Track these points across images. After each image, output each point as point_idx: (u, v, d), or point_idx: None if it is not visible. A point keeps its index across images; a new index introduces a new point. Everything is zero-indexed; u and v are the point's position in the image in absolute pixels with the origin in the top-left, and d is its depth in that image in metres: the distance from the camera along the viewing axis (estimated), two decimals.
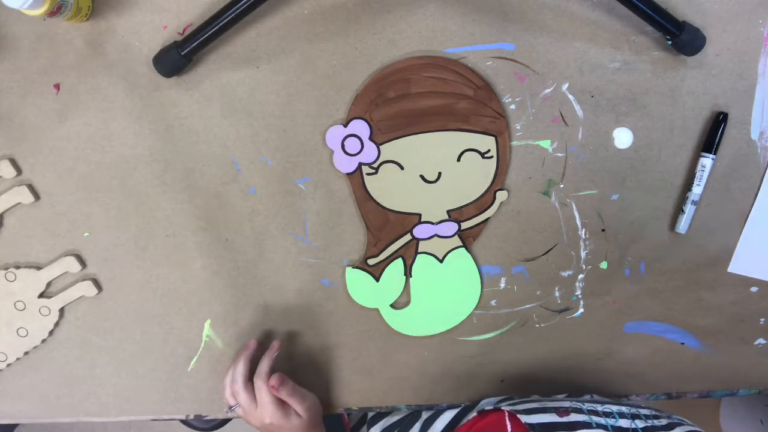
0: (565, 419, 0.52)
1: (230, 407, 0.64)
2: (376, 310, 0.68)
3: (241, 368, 0.63)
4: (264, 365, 0.64)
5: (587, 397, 0.71)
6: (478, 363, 0.71)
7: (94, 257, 0.66)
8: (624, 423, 0.52)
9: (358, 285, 0.66)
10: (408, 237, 0.65)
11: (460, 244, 0.65)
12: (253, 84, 0.59)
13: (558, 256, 0.66)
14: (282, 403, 0.63)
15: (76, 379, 0.71)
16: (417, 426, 0.73)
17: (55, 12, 0.51)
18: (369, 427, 0.78)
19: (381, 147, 0.61)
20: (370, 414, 0.80)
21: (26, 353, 0.69)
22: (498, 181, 0.62)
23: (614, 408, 0.55)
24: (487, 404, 0.67)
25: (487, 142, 0.61)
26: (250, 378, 0.64)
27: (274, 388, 0.61)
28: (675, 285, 0.68)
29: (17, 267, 0.65)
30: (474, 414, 0.63)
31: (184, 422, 0.77)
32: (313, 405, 0.65)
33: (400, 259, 0.66)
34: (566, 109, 0.60)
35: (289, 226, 0.64)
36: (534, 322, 0.69)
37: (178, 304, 0.68)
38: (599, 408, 0.55)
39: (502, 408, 0.57)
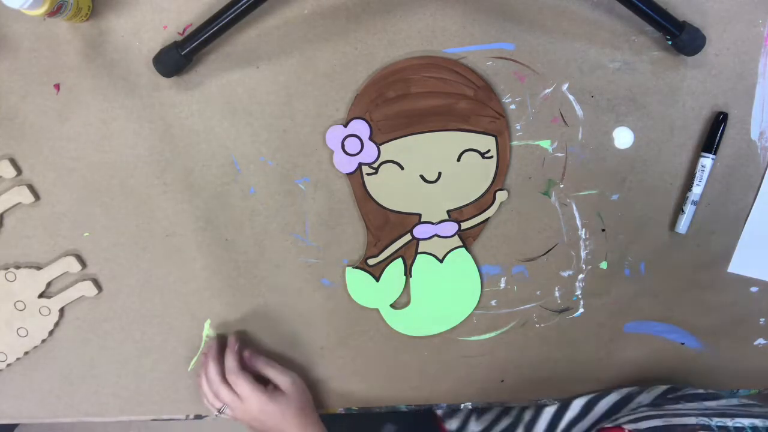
0: None
1: (219, 410, 0.64)
2: (376, 310, 0.68)
3: (213, 368, 0.63)
4: (230, 361, 0.64)
5: (700, 391, 0.65)
6: (478, 363, 0.71)
7: (94, 257, 0.66)
8: None
9: (358, 285, 0.66)
10: (408, 237, 0.65)
11: (460, 244, 0.65)
12: (253, 84, 0.59)
13: (558, 256, 0.66)
14: (263, 388, 0.62)
15: (76, 379, 0.71)
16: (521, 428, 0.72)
17: (55, 12, 0.51)
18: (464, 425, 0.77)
19: (381, 147, 0.61)
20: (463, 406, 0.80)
21: (26, 353, 0.69)
22: (498, 181, 0.62)
23: (746, 422, 0.49)
24: (597, 406, 0.65)
25: (487, 142, 0.61)
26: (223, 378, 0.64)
27: (248, 360, 0.63)
28: (675, 285, 0.68)
29: (17, 267, 0.65)
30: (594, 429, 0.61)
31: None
32: (295, 381, 0.65)
33: (400, 259, 0.66)
34: (566, 109, 0.60)
35: (289, 226, 0.64)
36: (534, 322, 0.69)
37: (178, 304, 0.68)
38: (729, 423, 0.49)
39: (623, 426, 0.54)
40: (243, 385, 0.62)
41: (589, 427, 0.66)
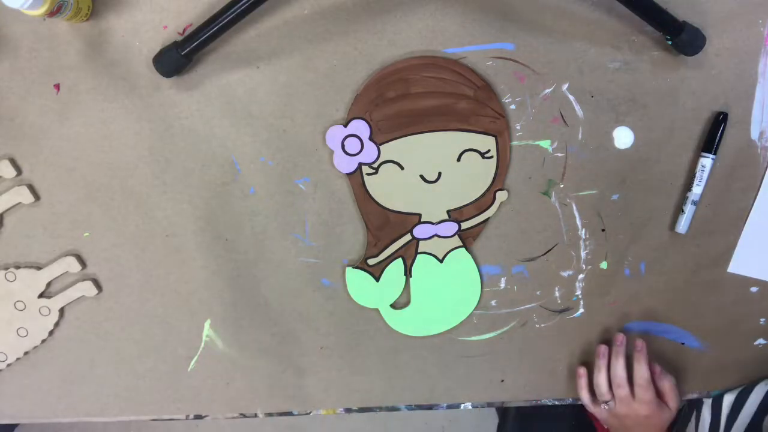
0: None
1: (605, 402, 0.68)
2: (376, 310, 0.68)
3: (622, 365, 0.67)
4: (645, 370, 0.67)
5: None
6: (478, 363, 0.71)
7: (94, 257, 0.65)
8: None
9: (358, 285, 0.66)
10: (408, 237, 0.65)
11: (460, 244, 0.65)
12: (253, 84, 0.59)
13: (558, 256, 0.66)
14: (660, 401, 0.67)
15: (76, 379, 0.71)
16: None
17: (55, 12, 0.51)
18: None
19: (381, 147, 0.61)
20: None
21: (26, 353, 0.69)
22: (498, 181, 0.62)
23: None
24: (748, 400, 0.68)
25: (487, 142, 0.61)
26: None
27: (657, 372, 0.67)
28: (675, 285, 0.68)
29: (17, 267, 0.65)
30: None
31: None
32: (679, 405, 0.68)
33: (400, 259, 0.66)
34: (566, 109, 0.60)
35: (289, 226, 0.64)
36: (534, 322, 0.69)
37: (178, 304, 0.68)
38: None
39: None
40: (651, 393, 0.66)
41: (750, 420, 0.68)
